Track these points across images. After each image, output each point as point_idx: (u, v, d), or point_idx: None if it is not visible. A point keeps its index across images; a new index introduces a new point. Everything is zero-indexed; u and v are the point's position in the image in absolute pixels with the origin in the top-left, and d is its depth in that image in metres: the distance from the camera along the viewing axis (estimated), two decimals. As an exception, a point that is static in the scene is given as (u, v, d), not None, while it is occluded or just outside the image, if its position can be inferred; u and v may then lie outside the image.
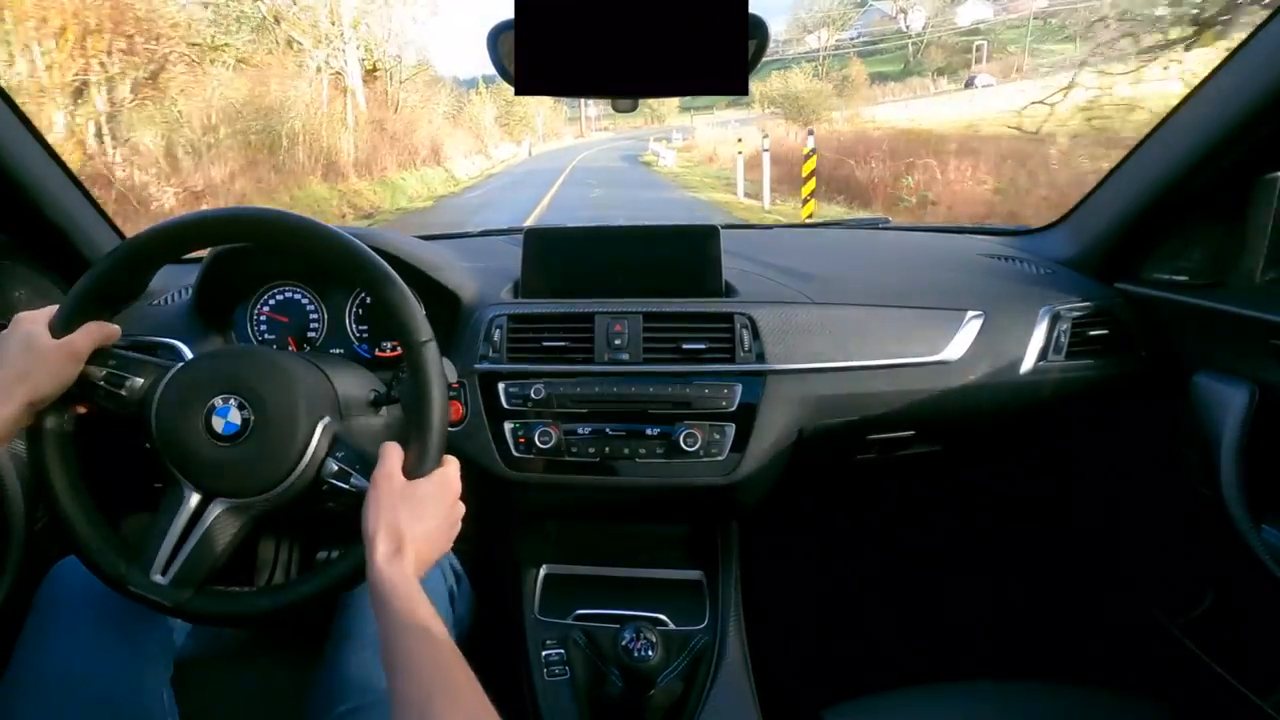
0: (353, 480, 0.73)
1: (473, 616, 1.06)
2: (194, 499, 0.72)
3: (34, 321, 0.71)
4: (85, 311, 0.73)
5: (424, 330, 0.72)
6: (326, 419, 0.75)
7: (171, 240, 0.75)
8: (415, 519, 0.66)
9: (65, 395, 0.72)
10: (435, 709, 0.52)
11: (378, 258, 0.73)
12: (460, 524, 0.73)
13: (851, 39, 53.31)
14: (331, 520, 1.11)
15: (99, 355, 0.74)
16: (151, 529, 0.73)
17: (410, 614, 0.58)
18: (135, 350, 1.08)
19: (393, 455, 0.69)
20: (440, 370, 0.72)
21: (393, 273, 0.73)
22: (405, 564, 0.62)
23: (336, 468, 0.73)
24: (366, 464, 0.73)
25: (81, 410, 0.76)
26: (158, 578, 0.72)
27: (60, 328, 0.71)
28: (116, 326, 0.76)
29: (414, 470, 0.69)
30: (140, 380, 0.75)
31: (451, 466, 0.73)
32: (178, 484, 0.73)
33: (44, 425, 0.72)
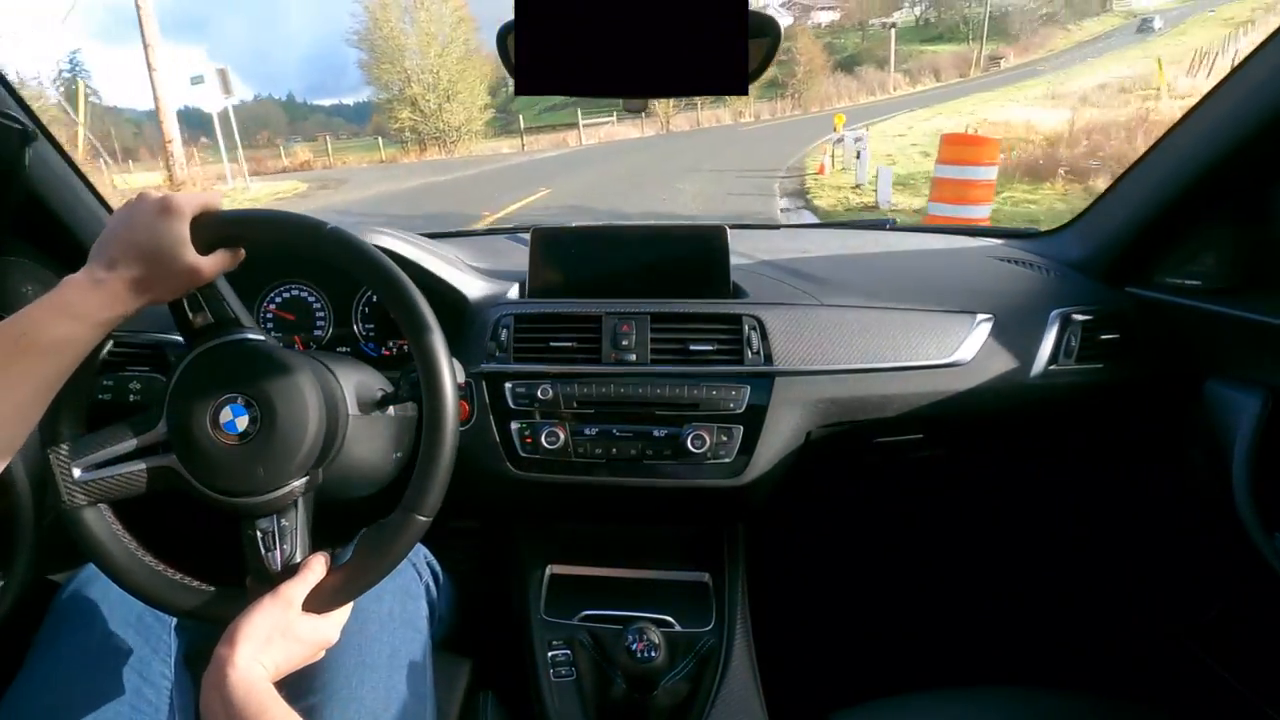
0: (269, 555, 0.71)
1: (456, 615, 1.06)
2: (163, 434, 0.71)
3: (182, 219, 0.65)
4: (234, 240, 0.70)
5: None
6: (306, 479, 0.73)
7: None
8: (291, 643, 0.65)
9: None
10: None
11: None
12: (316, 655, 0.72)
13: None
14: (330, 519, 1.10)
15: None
16: (105, 434, 0.71)
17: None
18: (136, 348, 1.09)
19: (308, 575, 0.68)
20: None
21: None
22: (263, 676, 0.62)
23: (265, 532, 0.71)
24: (288, 553, 0.71)
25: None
26: (81, 474, 0.70)
27: (204, 245, 0.67)
28: (228, 265, 0.72)
29: (330, 596, 0.68)
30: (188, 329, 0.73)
31: (343, 615, 0.71)
32: (157, 417, 0.71)
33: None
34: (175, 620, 0.84)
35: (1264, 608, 1.05)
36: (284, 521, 0.72)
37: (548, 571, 1.19)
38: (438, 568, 1.03)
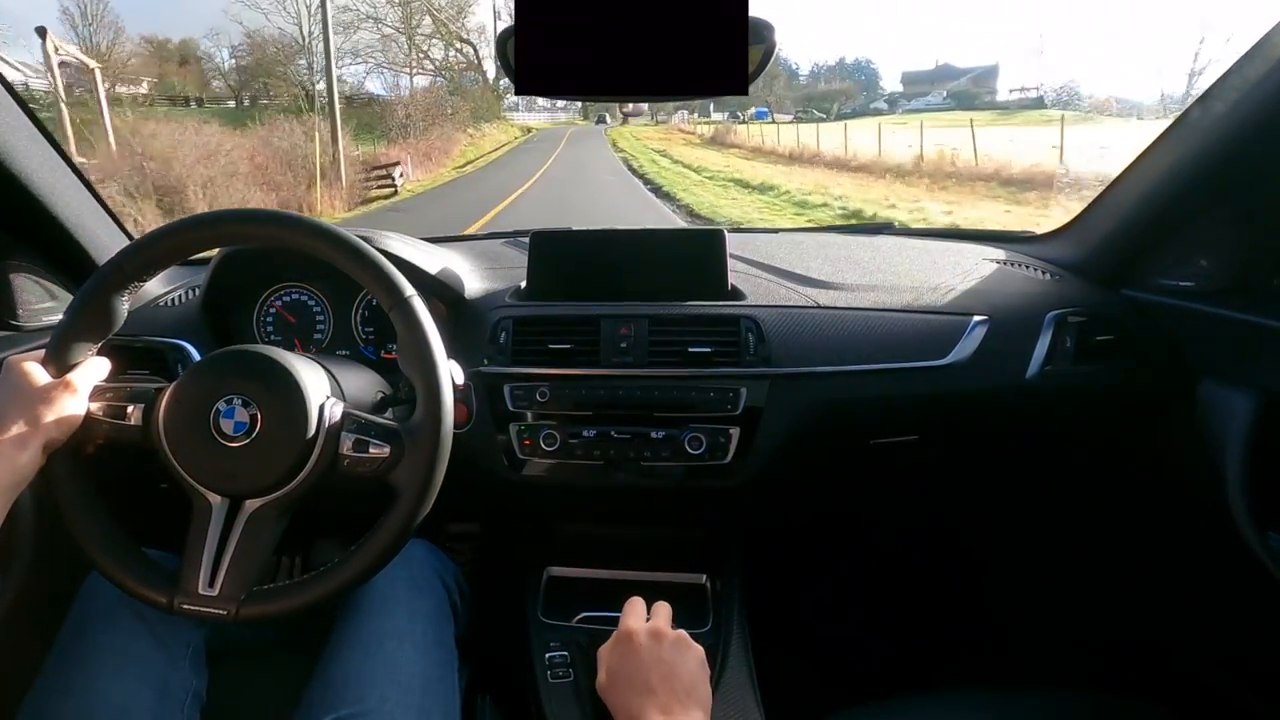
0: (371, 449, 0.72)
1: (470, 620, 1.06)
2: (222, 506, 0.72)
3: (26, 362, 0.69)
4: (75, 345, 0.72)
5: (405, 285, 0.72)
6: (331, 398, 0.75)
7: (142, 264, 0.75)
8: (669, 678, 0.74)
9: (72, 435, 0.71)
10: None
11: (337, 230, 0.74)
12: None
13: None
14: (334, 519, 1.10)
15: (94, 390, 0.73)
16: (188, 544, 0.72)
17: None
18: (138, 352, 1.09)
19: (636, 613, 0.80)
20: (431, 322, 0.73)
21: (356, 239, 0.73)
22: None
23: (353, 440, 0.73)
24: (381, 429, 0.73)
25: (90, 451, 0.74)
26: (206, 591, 0.71)
27: (55, 366, 0.70)
28: (106, 360, 0.76)
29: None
30: (140, 405, 0.74)
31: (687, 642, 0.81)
32: (201, 495, 0.72)
33: (57, 466, 0.71)
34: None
35: (1258, 606, 1.06)
36: (354, 430, 0.73)
37: (546, 574, 1.19)
38: (465, 586, 1.03)
